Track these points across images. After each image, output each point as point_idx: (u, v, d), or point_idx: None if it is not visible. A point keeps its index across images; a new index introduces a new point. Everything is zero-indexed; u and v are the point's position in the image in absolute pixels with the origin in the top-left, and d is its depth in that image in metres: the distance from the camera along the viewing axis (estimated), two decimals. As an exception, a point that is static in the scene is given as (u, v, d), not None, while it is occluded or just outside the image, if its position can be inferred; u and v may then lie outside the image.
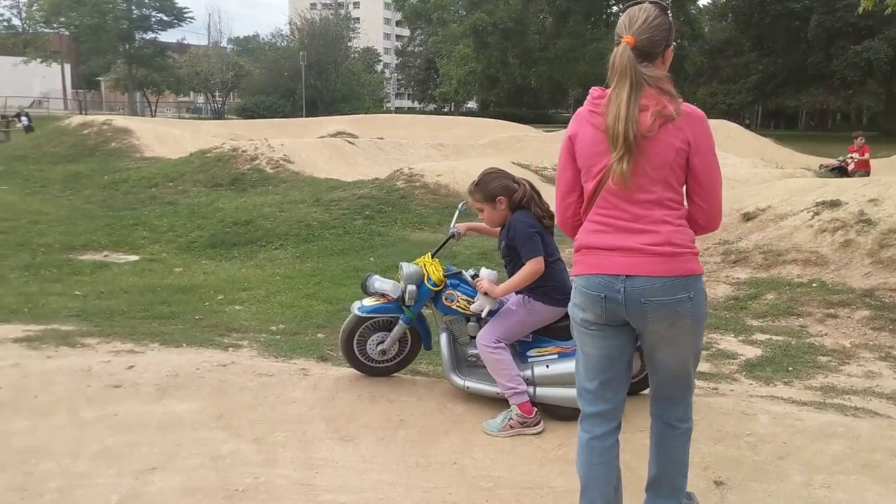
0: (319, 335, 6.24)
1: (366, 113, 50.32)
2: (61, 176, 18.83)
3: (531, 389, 3.98)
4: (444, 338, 4.22)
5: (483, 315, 4.01)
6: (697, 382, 4.83)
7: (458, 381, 4.13)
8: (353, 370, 4.53)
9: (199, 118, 59.80)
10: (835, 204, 8.31)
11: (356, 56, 74.83)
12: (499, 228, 4.15)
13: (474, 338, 4.21)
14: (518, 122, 41.35)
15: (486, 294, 3.98)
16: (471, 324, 4.19)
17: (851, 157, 17.45)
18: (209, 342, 5.63)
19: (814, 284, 7.13)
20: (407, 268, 4.23)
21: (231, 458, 3.68)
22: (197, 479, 3.50)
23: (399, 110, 77.66)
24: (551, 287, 3.94)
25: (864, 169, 17.20)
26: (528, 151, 24.28)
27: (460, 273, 4.24)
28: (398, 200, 13.63)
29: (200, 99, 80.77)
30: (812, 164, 23.76)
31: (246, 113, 59.71)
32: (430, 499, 3.41)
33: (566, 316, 4.06)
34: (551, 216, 4.00)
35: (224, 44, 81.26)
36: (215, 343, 5.62)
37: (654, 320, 2.69)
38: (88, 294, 7.70)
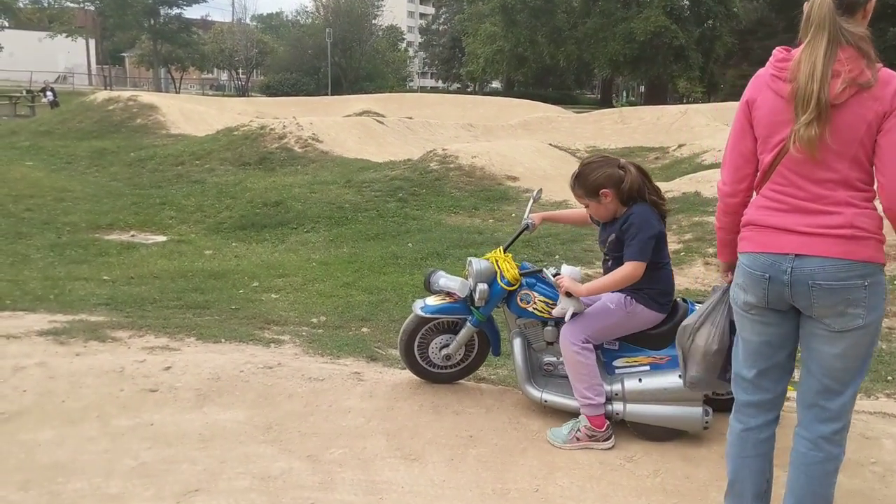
0: (364, 329, 5.80)
1: (390, 92, 49.76)
2: (87, 152, 18.48)
3: (621, 406, 3.52)
4: (517, 343, 3.75)
5: (567, 319, 3.53)
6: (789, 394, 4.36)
7: (535, 393, 3.67)
8: (409, 374, 4.08)
9: (223, 95, 59.46)
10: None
11: (380, 34, 74.10)
12: (586, 218, 3.69)
13: (552, 344, 3.75)
14: (544, 102, 40.64)
15: (568, 295, 3.50)
16: (548, 328, 3.72)
17: None
18: (249, 337, 5.21)
19: (893, 281, 6.58)
20: (477, 264, 3.74)
21: (283, 479, 3.25)
22: (245, 505, 3.07)
23: (423, 90, 76.89)
24: (658, 291, 3.47)
25: None
26: (560, 133, 23.65)
27: (539, 271, 3.75)
28: (432, 183, 13.14)
29: (224, 76, 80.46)
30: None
31: (270, 90, 59.26)
32: (513, 534, 2.96)
33: (662, 322, 3.61)
34: (665, 200, 3.60)
35: (248, 20, 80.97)
36: (255, 338, 5.21)
37: (820, 307, 2.44)
38: (117, 279, 7.30)
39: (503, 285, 3.69)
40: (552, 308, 3.61)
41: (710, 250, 8.01)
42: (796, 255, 2.44)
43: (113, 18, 63.95)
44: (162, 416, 3.67)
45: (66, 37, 61.40)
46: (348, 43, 64.27)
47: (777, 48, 2.53)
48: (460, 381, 4.06)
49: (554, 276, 3.60)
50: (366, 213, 11.66)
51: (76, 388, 3.82)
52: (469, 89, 75.32)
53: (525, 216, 3.94)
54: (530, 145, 16.18)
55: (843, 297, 2.39)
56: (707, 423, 3.48)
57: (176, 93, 57.23)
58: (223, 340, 5.05)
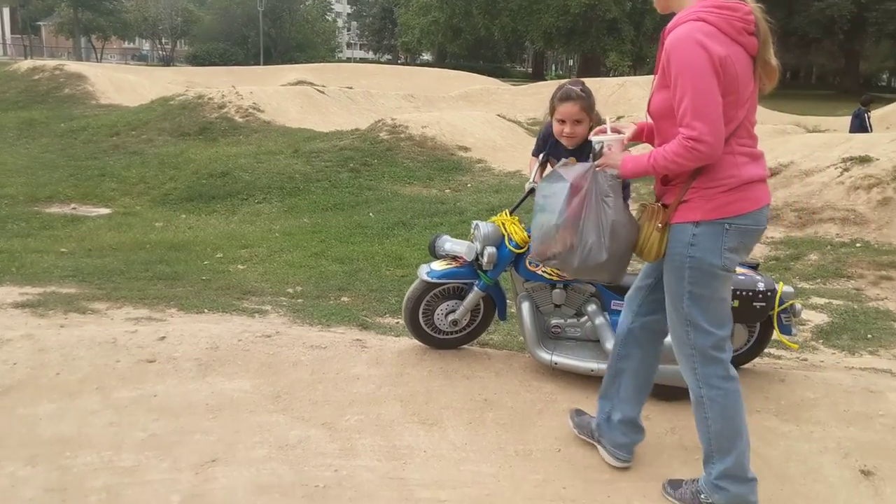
0: (344, 299, 5.71)
1: (322, 62, 48.92)
2: (14, 123, 17.68)
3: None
4: (525, 307, 3.73)
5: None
6: (781, 353, 4.47)
7: (545, 355, 3.66)
8: (411, 341, 4.03)
9: (147, 65, 57.59)
10: (864, 160, 7.99)
11: (309, 3, 72.70)
12: None
13: (559, 307, 3.75)
14: (477, 73, 40.58)
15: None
16: (556, 290, 3.72)
17: None
18: (231, 307, 5.08)
19: (857, 244, 6.81)
20: (484, 227, 3.69)
21: (302, 447, 3.17)
22: (268, 474, 2.99)
23: (352, 60, 75.84)
24: None
25: None
26: (501, 105, 23.68)
27: None
28: (384, 153, 12.99)
29: (147, 45, 77.88)
30: (785, 120, 23.65)
31: (197, 60, 57.65)
32: (544, 494, 2.96)
33: None
34: None
35: (172, -12, 78.27)
36: (238, 308, 5.08)
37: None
38: (76, 251, 7.02)
39: (511, 248, 3.66)
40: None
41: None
42: (768, 204, 2.67)
43: (29, -16, 61.19)
44: (165, 386, 3.53)
45: (-22, 4, 58.55)
46: (278, 12, 62.89)
47: (721, 2, 2.49)
48: (465, 346, 4.03)
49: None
50: (318, 184, 11.49)
51: (70, 361, 3.64)
52: (400, 61, 74.60)
53: (530, 181, 3.90)
54: (479, 116, 16.13)
55: None
56: (716, 381, 3.52)
57: (98, 62, 55.16)
58: (206, 311, 4.91)
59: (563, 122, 3.59)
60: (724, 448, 2.72)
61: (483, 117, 16.22)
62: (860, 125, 15.19)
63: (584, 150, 3.49)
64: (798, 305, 3.68)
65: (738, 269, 3.68)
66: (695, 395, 2.78)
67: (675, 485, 2.94)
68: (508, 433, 3.33)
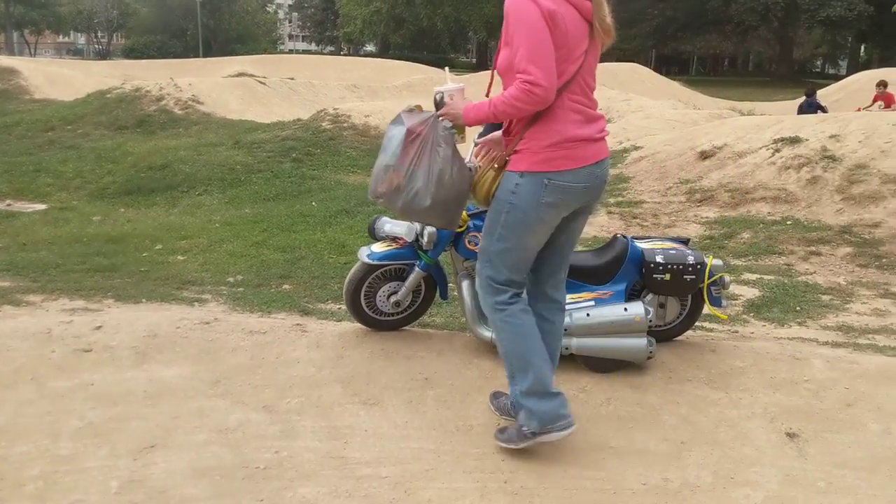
0: (286, 286, 5.69)
1: (263, 54, 48.31)
2: (-58, 118, 17.12)
3: (569, 341, 3.61)
4: (465, 286, 3.76)
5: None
6: (713, 325, 4.60)
7: (486, 333, 3.70)
8: (353, 324, 4.06)
9: (82, 59, 56.16)
10: (794, 140, 8.23)
11: (249, -6, 71.69)
12: None
13: (499, 285, 3.80)
14: (421, 64, 40.52)
15: None
16: (495, 269, 3.76)
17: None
18: (169, 297, 5.03)
19: (788, 222, 7.02)
20: (422, 208, 3.72)
21: (242, 430, 3.17)
22: (208, 457, 2.98)
23: (295, 52, 75.01)
24: None
25: None
26: (445, 93, 23.64)
27: (483, 212, 3.77)
28: (326, 142, 12.93)
29: (82, 39, 75.95)
30: (723, 106, 24.17)
31: (134, 54, 56.37)
32: (484, 467, 3.01)
33: (603, 259, 3.74)
34: None
35: (106, -20, 76.36)
36: (176, 297, 5.03)
37: (599, 197, 2.95)
38: (10, 246, 6.85)
39: (450, 228, 3.69)
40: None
41: (612, 200, 8.28)
42: (601, 161, 2.84)
43: (-45, -24, 59.13)
44: (102, 375, 3.49)
45: None
46: (217, 3, 61.85)
47: None
48: (406, 327, 4.06)
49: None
50: (260, 175, 11.38)
51: (3, 351, 3.58)
52: (343, 52, 74.03)
53: (468, 160, 3.93)
54: (422, 105, 16.11)
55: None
56: (651, 352, 3.62)
57: (31, 57, 53.63)
58: (144, 301, 4.85)
59: None
60: (518, 367, 2.95)
61: (425, 106, 16.20)
62: (814, 112, 15.59)
63: None
64: (727, 278, 3.79)
65: (668, 244, 3.79)
66: (490, 319, 3.01)
67: (496, 395, 3.31)
68: (449, 410, 3.37)
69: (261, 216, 8.50)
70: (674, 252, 3.72)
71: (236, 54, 48.27)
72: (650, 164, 9.26)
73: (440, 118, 2.91)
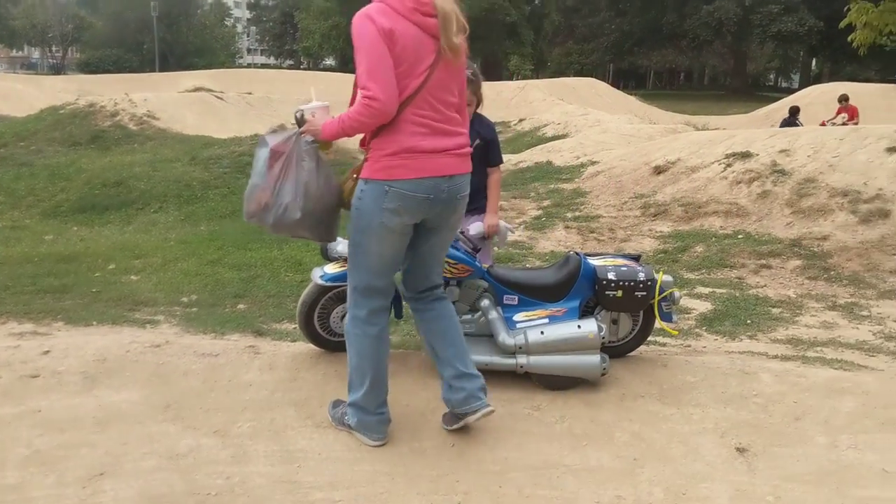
0: (240, 306, 5.63)
1: (221, 68, 47.94)
2: None
3: (525, 359, 3.63)
4: (419, 305, 3.77)
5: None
6: (666, 340, 4.66)
7: (440, 352, 3.71)
8: (307, 345, 4.03)
9: (37, 74, 55.31)
10: (745, 155, 8.38)
11: (207, 8, 71.12)
12: None
13: (455, 303, 3.80)
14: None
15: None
16: (450, 287, 3.78)
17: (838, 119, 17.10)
18: (121, 318, 4.95)
19: (739, 236, 7.14)
20: (375, 228, 3.72)
21: (192, 456, 3.13)
22: (158, 484, 2.95)
23: (254, 66, 74.57)
24: None
25: None
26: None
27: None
28: (284, 158, 12.82)
29: (36, 53, 74.75)
30: (678, 120, 24.54)
31: (89, 68, 55.55)
32: (438, 489, 3.01)
33: (557, 276, 3.78)
34: None
35: (61, -6, 75.29)
36: (128, 319, 4.96)
37: (457, 213, 3.07)
38: (-44, 267, 6.68)
39: (403, 248, 3.70)
40: (454, 268, 3.66)
41: (569, 215, 8.35)
42: (450, 176, 2.93)
43: None
44: (49, 401, 3.43)
45: None
46: (174, 17, 61.26)
47: None
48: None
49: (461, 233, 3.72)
50: (217, 191, 11.27)
51: (-55, 379, 3.50)
52: (303, 66, 73.78)
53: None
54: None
55: (466, 202, 3.08)
56: (605, 369, 3.65)
57: (-18, 71, 52.62)
58: (94, 323, 4.77)
59: None
60: (356, 382, 3.15)
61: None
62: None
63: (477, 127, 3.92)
64: (677, 293, 3.85)
65: (620, 261, 3.83)
66: (345, 329, 3.20)
67: (335, 404, 3.41)
68: (403, 432, 3.36)
69: (216, 234, 8.41)
70: (625, 269, 3.77)
71: (194, 68, 47.84)
72: (606, 178, 9.36)
73: (302, 134, 3.04)
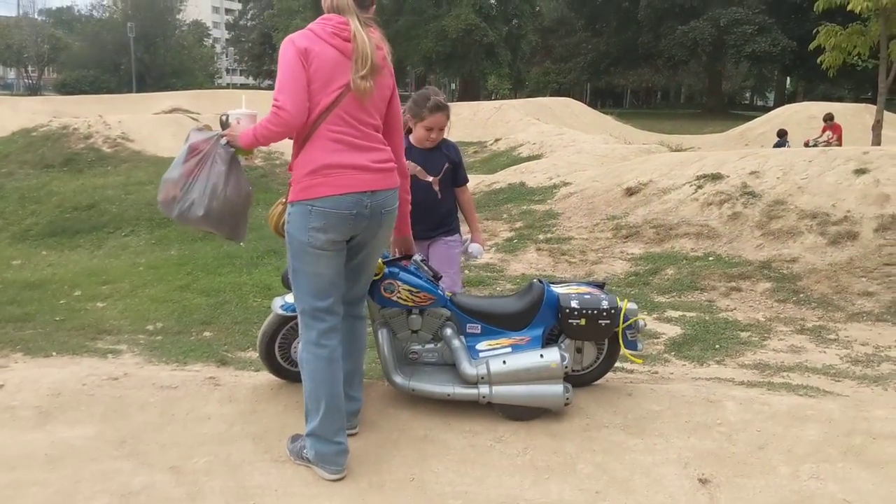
0: (206, 333, 5.57)
1: (200, 88, 47.81)
2: None
3: (487, 389, 3.58)
4: (383, 334, 3.72)
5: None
6: (633, 367, 4.64)
7: (402, 382, 3.66)
8: (268, 376, 3.96)
9: (13, 94, 54.91)
10: (716, 177, 8.43)
11: (185, 28, 70.93)
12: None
13: (416, 332, 3.77)
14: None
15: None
16: (413, 316, 3.74)
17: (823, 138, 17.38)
18: (82, 348, 4.88)
19: (710, 258, 7.16)
20: (336, 257, 3.68)
21: (146, 493, 3.05)
22: (108, 525, 2.87)
23: (233, 86, 74.48)
24: None
25: None
26: (381, 128, 23.70)
27: (399, 259, 3.74)
28: (258, 180, 12.84)
29: (12, 74, 74.26)
30: (653, 139, 24.72)
31: (66, 89, 55.20)
32: (396, 525, 2.95)
33: (519, 305, 3.75)
34: None
35: (36, 15, 74.97)
36: (90, 349, 4.88)
37: (384, 227, 3.15)
38: (-84, 296, 6.57)
39: (365, 277, 3.65)
40: (416, 296, 3.63)
41: (541, 236, 8.35)
42: (373, 192, 3.02)
43: None
44: (1, 438, 3.34)
45: None
46: (151, 38, 61.04)
47: (327, 15, 3.02)
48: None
49: (422, 261, 3.73)
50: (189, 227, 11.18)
51: None
52: (282, 86, 73.52)
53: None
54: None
55: (393, 216, 3.17)
56: (568, 399, 3.61)
57: (-44, 92, 52.18)
58: (54, 354, 4.69)
59: (431, 129, 4.02)
60: (312, 409, 3.14)
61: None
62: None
63: (434, 151, 4.12)
64: (642, 321, 3.82)
65: (584, 289, 3.81)
66: (299, 356, 3.21)
67: (293, 439, 3.35)
68: (362, 465, 3.30)
69: (187, 258, 8.33)
70: (588, 297, 3.74)
71: (172, 89, 47.68)
72: (579, 199, 9.38)
73: (222, 138, 3.14)
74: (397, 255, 3.73)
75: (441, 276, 3.80)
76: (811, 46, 15.55)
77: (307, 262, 3.03)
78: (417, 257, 3.70)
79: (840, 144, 16.51)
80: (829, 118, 18.15)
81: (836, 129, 17.67)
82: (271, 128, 2.93)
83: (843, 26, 14.97)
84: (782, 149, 12.46)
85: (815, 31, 15.39)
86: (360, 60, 2.95)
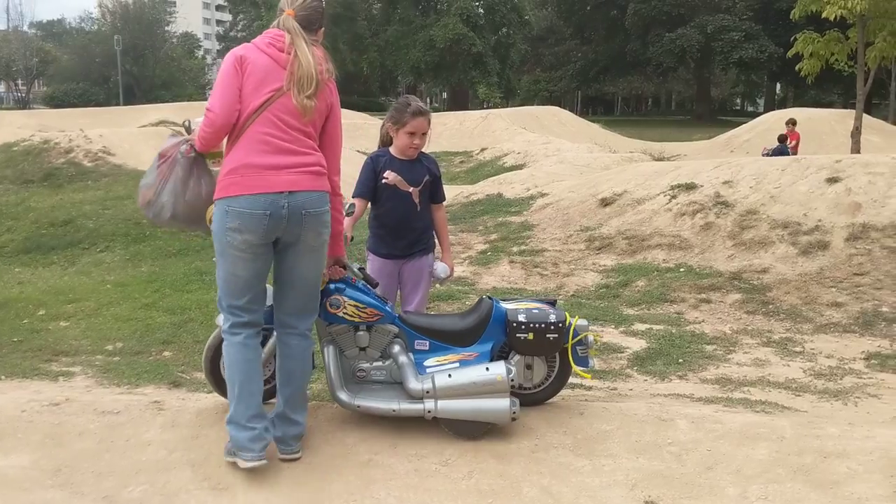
0: (166, 353, 5.49)
1: (189, 100, 47.73)
2: None
3: (432, 404, 3.51)
4: (329, 351, 3.65)
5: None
6: (593, 383, 4.57)
7: (348, 399, 3.58)
8: (216, 399, 3.88)
9: (1, 108, 54.79)
10: (690, 187, 8.39)
11: (175, 41, 70.89)
12: None
13: (364, 349, 3.70)
14: (350, 109, 40.56)
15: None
16: (360, 333, 3.67)
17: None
18: (33, 371, 4.79)
19: (681, 269, 7.10)
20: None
21: (76, 525, 2.97)
22: (33, 559, 2.78)
23: (224, 98, 74.18)
24: None
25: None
26: (369, 139, 23.65)
27: (346, 276, 3.68)
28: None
29: (1, 87, 74.12)
30: (638, 147, 24.74)
31: (55, 101, 55.13)
32: (331, 555, 2.87)
33: (467, 321, 3.70)
34: None
35: (25, 28, 74.90)
36: (41, 372, 4.80)
37: (308, 229, 3.14)
38: None
39: (310, 294, 3.58)
40: (363, 312, 3.57)
41: (515, 249, 8.28)
42: (290, 192, 3.05)
43: None
44: (-71, 469, 3.25)
45: None
46: (140, 50, 60.98)
47: (268, 29, 3.20)
48: (270, 400, 3.90)
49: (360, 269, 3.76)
50: (165, 229, 11.10)
51: None
52: (273, 97, 73.49)
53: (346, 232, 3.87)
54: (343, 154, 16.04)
55: (320, 220, 3.17)
56: (515, 413, 3.54)
57: (-56, 106, 52.03)
58: (3, 378, 4.60)
59: (413, 134, 3.99)
60: (230, 396, 3.26)
61: (344, 155, 16.13)
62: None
63: (416, 163, 4.11)
64: (591, 337, 3.76)
65: (533, 304, 3.74)
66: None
67: None
68: (304, 492, 3.23)
69: (156, 275, 8.24)
70: (536, 311, 3.68)
71: (162, 101, 47.60)
72: (554, 210, 9.32)
73: (183, 143, 3.28)
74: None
75: (378, 284, 3.79)
76: (790, 53, 15.59)
77: (227, 261, 3.13)
78: (354, 266, 3.70)
79: (796, 152, 16.39)
80: (791, 123, 17.91)
81: (794, 136, 17.44)
82: (204, 128, 3.10)
83: (822, 33, 15.00)
84: (765, 157, 12.36)
85: (792, 38, 15.42)
86: (305, 81, 3.07)
